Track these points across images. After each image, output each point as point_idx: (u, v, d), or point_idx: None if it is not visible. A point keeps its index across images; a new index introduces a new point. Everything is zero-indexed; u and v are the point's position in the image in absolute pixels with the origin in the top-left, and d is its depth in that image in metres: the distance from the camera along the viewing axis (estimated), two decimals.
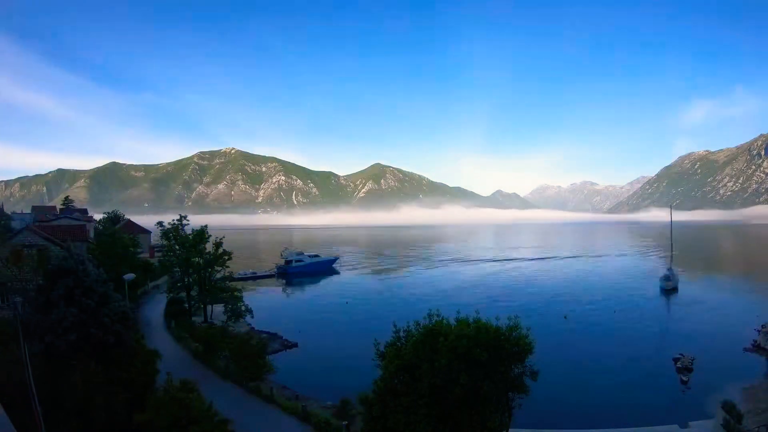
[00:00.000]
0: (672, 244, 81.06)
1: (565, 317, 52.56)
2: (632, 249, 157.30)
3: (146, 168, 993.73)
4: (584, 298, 66.16)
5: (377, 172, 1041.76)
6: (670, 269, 74.72)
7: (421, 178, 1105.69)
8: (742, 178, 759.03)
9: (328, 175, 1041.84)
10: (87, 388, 18.18)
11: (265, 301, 67.54)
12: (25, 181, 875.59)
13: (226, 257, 47.72)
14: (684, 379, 33.08)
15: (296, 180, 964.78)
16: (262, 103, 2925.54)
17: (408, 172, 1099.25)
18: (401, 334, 19.45)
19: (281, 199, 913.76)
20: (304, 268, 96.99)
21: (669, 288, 70.37)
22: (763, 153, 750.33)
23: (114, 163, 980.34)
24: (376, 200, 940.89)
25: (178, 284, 46.61)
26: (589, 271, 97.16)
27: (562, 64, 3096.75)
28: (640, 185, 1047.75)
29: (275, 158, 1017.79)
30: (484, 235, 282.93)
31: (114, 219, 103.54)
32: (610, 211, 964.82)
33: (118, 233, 63.35)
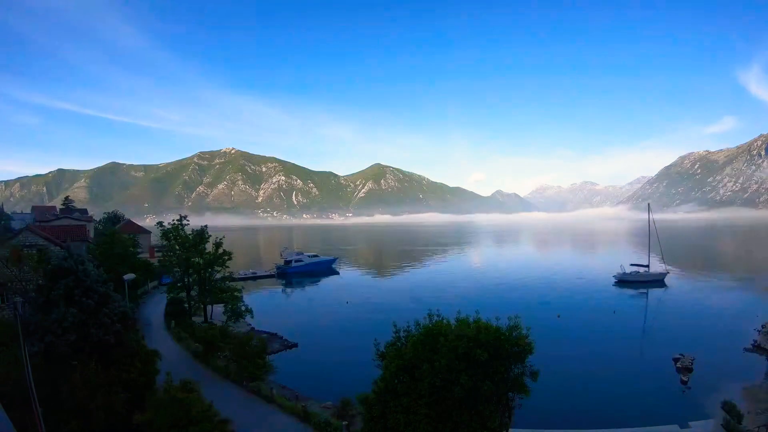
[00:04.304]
0: (650, 242, 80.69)
1: (558, 316, 52.05)
2: None
3: (146, 168, 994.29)
4: (583, 297, 66.12)
5: (377, 172, 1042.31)
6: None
7: (421, 178, 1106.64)
8: (742, 179, 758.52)
9: (328, 175, 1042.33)
10: (87, 388, 18.16)
11: (265, 301, 67.58)
12: (25, 181, 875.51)
13: (226, 257, 47.69)
14: (684, 379, 33.04)
15: (296, 180, 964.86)
16: (263, 103, 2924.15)
17: (408, 172, 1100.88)
18: (401, 334, 19.43)
19: (281, 199, 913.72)
20: (303, 268, 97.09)
21: (622, 279, 75.22)
22: (763, 153, 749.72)
23: (114, 163, 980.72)
24: (376, 200, 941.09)
25: (178, 284, 46.64)
26: (588, 270, 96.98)
27: (562, 63, 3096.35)
28: (640, 185, 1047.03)
29: (275, 158, 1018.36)
30: None
31: (114, 219, 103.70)
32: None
33: (118, 233, 63.42)
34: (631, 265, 78.20)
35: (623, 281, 74.99)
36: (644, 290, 71.44)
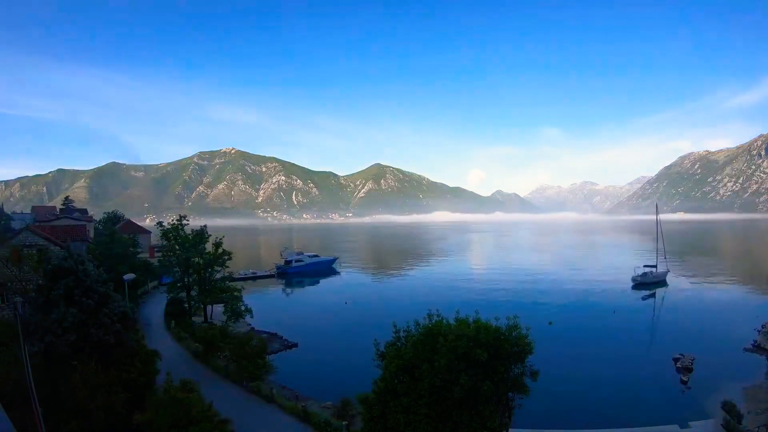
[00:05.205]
0: (657, 241, 78.65)
1: (549, 323, 47.71)
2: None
3: (146, 168, 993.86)
4: (582, 297, 66.03)
5: (377, 172, 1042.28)
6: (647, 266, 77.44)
7: (421, 178, 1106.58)
8: (742, 179, 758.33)
9: (328, 175, 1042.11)
10: (87, 388, 18.18)
11: (265, 301, 67.55)
12: (25, 181, 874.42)
13: (226, 257, 47.71)
14: (684, 379, 33.05)
15: (296, 180, 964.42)
16: (263, 102, 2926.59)
17: (408, 172, 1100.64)
18: (401, 334, 19.44)
19: (281, 199, 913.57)
20: (303, 268, 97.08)
21: (640, 282, 74.09)
22: (763, 153, 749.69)
23: (114, 163, 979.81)
24: (376, 200, 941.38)
25: (178, 284, 46.67)
26: (586, 271, 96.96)
27: (562, 62, 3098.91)
28: (640, 185, 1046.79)
29: (275, 158, 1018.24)
30: None
31: (114, 219, 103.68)
32: (610, 212, 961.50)
33: (118, 233, 63.48)
34: (644, 266, 77.68)
35: (641, 284, 74.00)
36: (651, 291, 71.10)
